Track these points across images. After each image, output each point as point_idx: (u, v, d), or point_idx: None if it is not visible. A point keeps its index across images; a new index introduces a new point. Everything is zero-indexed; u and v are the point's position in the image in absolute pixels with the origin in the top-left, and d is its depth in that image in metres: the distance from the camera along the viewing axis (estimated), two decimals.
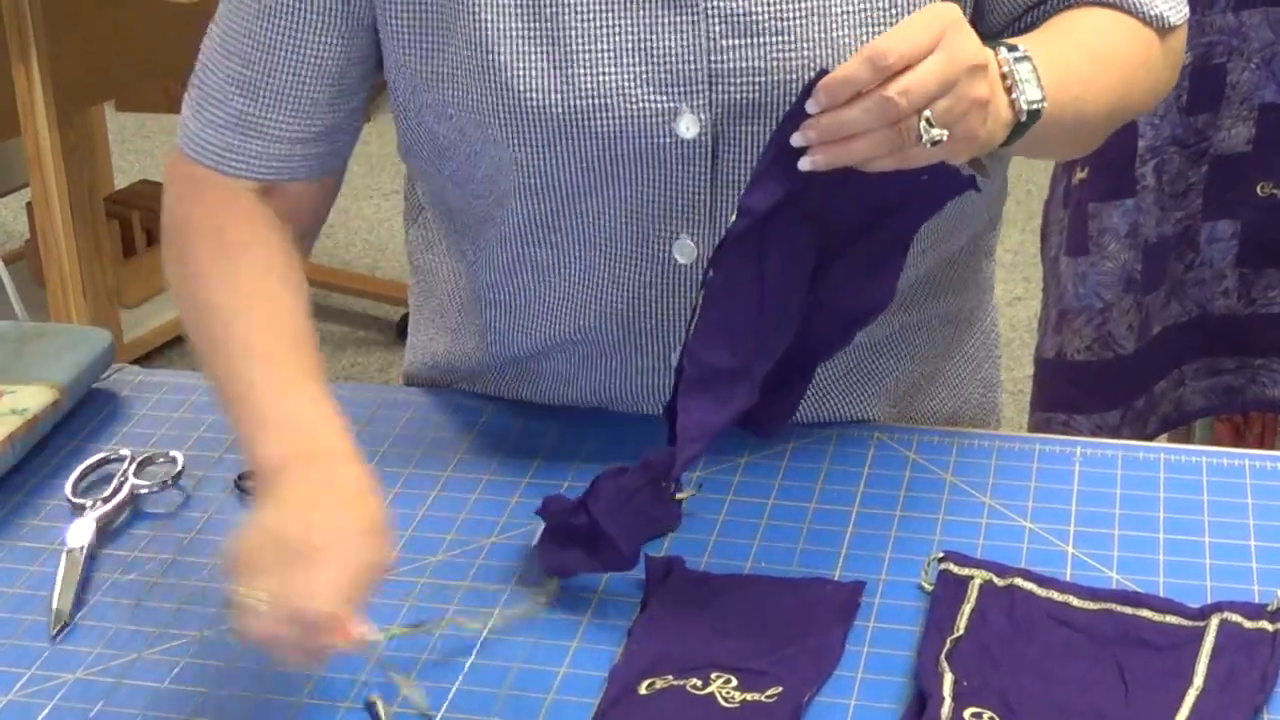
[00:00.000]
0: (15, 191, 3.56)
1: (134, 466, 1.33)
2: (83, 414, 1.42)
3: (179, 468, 1.33)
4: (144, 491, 1.31)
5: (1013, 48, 1.14)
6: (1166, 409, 2.07)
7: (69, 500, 1.30)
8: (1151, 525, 1.24)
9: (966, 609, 1.13)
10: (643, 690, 1.08)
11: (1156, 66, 1.30)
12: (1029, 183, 4.23)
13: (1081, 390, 2.03)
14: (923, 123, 1.06)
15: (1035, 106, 1.14)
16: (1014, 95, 1.13)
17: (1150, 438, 2.06)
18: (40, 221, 3.14)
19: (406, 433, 1.38)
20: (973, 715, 1.04)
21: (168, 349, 3.54)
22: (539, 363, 1.37)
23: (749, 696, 1.07)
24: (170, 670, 1.13)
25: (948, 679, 1.06)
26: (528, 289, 1.33)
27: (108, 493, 1.30)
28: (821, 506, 1.27)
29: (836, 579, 1.19)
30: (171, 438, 1.38)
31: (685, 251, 1.27)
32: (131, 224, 3.54)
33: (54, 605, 1.19)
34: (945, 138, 1.07)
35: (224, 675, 1.13)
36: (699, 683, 1.08)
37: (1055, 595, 1.15)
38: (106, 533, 1.27)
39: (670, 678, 1.09)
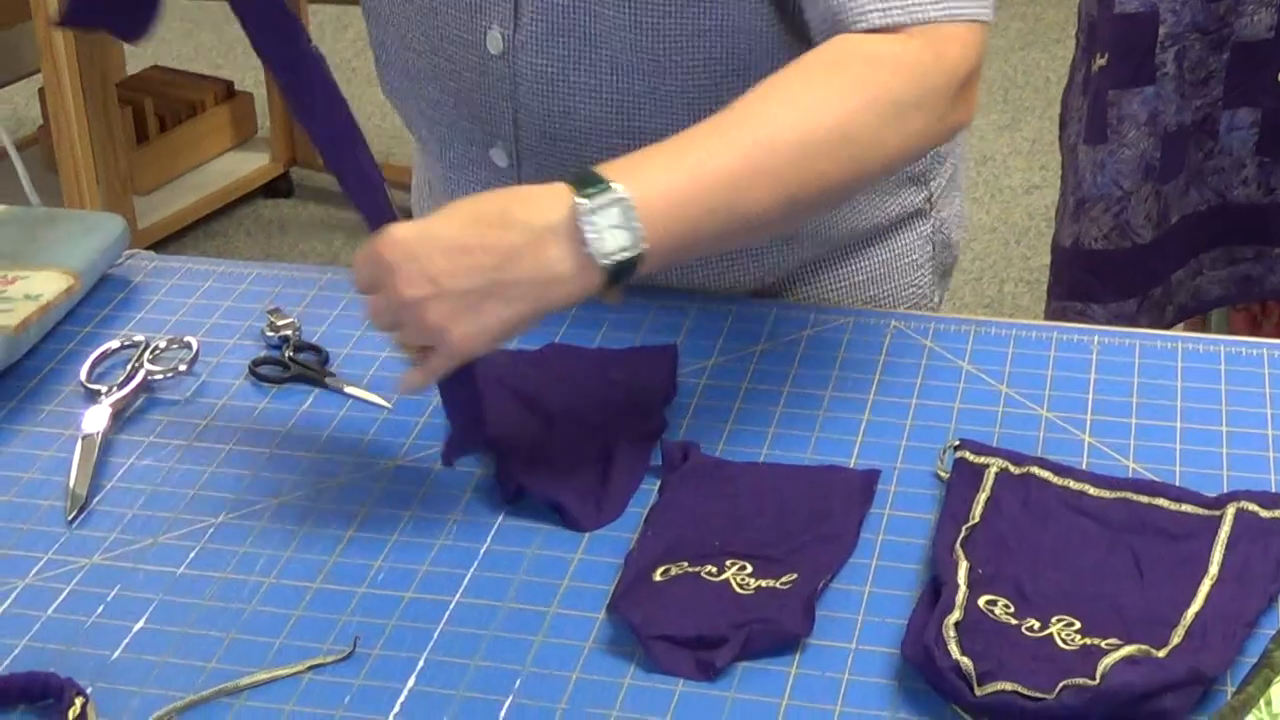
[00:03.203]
0: (27, 77, 3.54)
1: (149, 352, 1.32)
2: (97, 300, 1.42)
3: (194, 353, 1.33)
4: (159, 377, 1.31)
5: (601, 188, 1.09)
6: (1184, 298, 2.07)
7: (84, 386, 1.30)
8: (1169, 414, 1.23)
9: (982, 497, 1.13)
10: (657, 576, 1.08)
11: (893, 123, 1.19)
12: (1047, 70, 4.20)
13: (1098, 279, 2.02)
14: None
15: (623, 255, 1.09)
16: (586, 250, 1.08)
17: (1167, 327, 2.06)
18: (53, 107, 3.12)
19: None
20: (987, 603, 1.04)
21: (181, 235, 3.54)
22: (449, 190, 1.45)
23: (764, 583, 1.07)
24: (186, 555, 1.14)
25: (963, 566, 1.06)
26: (403, 90, 1.45)
27: (122, 378, 1.30)
28: (837, 394, 1.26)
29: (852, 467, 1.19)
30: (186, 323, 1.38)
31: (495, 42, 1.33)
32: (144, 110, 3.53)
33: (70, 490, 1.19)
34: (414, 381, 1.14)
35: (240, 559, 1.13)
36: (714, 569, 1.08)
37: (1071, 483, 1.14)
38: (122, 418, 1.27)
39: (685, 564, 1.09)
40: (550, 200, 1.10)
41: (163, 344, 1.34)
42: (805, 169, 1.16)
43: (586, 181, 1.09)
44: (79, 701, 1.00)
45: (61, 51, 3.02)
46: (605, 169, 1.11)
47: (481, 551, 1.13)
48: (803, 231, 1.40)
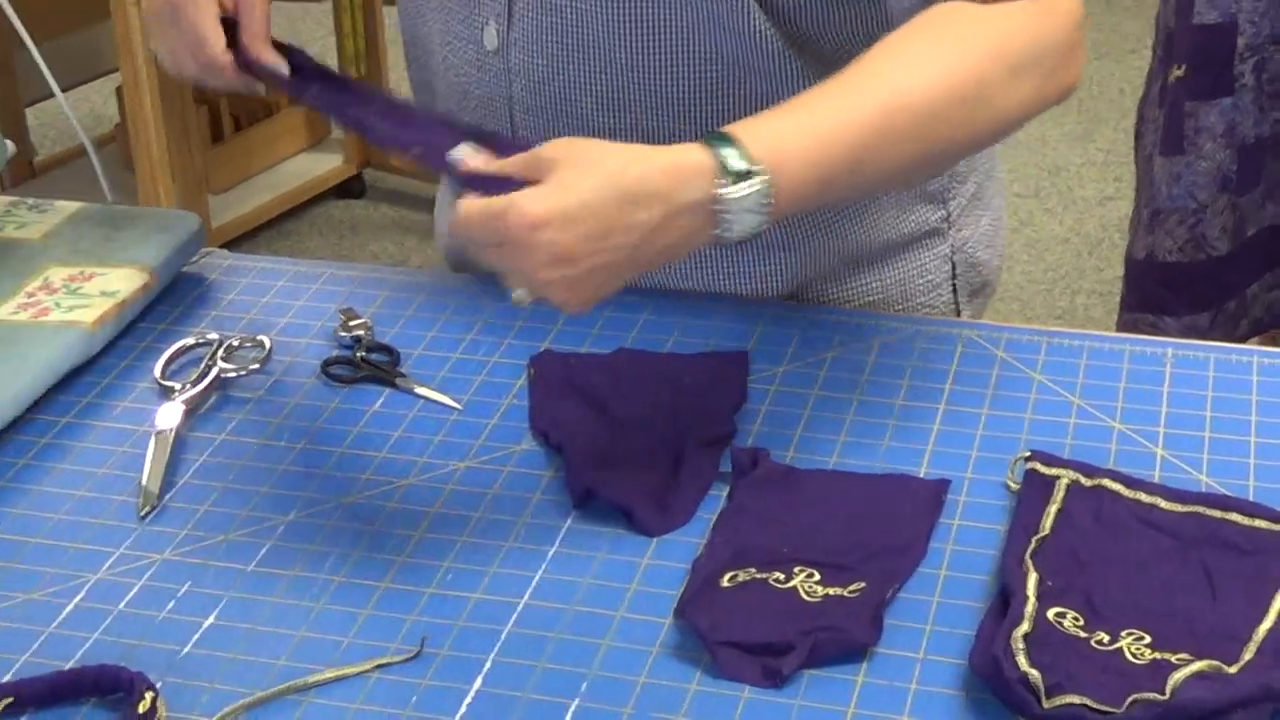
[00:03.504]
0: (105, 76, 3.57)
1: (222, 350, 1.33)
2: (172, 297, 1.43)
3: (266, 352, 1.33)
4: (232, 375, 1.32)
5: (744, 176, 1.09)
6: (1259, 312, 2.05)
7: (158, 383, 1.31)
8: (1242, 429, 1.22)
9: (1052, 509, 1.13)
10: (725, 583, 1.08)
11: (1011, 82, 1.20)
12: (1122, 81, 4.18)
13: (1172, 291, 2.01)
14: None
15: (751, 231, 1.11)
16: (717, 230, 1.09)
17: (1240, 341, 2.04)
18: (130, 106, 3.15)
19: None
20: (1056, 615, 1.04)
21: (254, 234, 3.56)
22: None
23: (831, 591, 1.07)
24: (257, 552, 1.14)
25: (1032, 578, 1.06)
26: (418, 84, 1.48)
27: (196, 376, 1.31)
28: (908, 403, 1.26)
29: (922, 476, 1.18)
30: (259, 322, 1.39)
31: (490, 38, 1.35)
32: (220, 109, 3.55)
33: (143, 486, 1.20)
34: (525, 299, 1.10)
35: (310, 558, 1.14)
36: (782, 576, 1.08)
37: (1143, 497, 1.14)
38: (195, 416, 1.28)
39: (753, 570, 1.09)
40: (694, 179, 1.09)
41: (236, 342, 1.35)
42: (929, 130, 1.17)
43: (731, 161, 1.09)
44: (149, 696, 1.01)
45: (140, 50, 3.04)
46: (748, 138, 1.10)
47: (549, 554, 1.13)
48: (815, 242, 1.39)
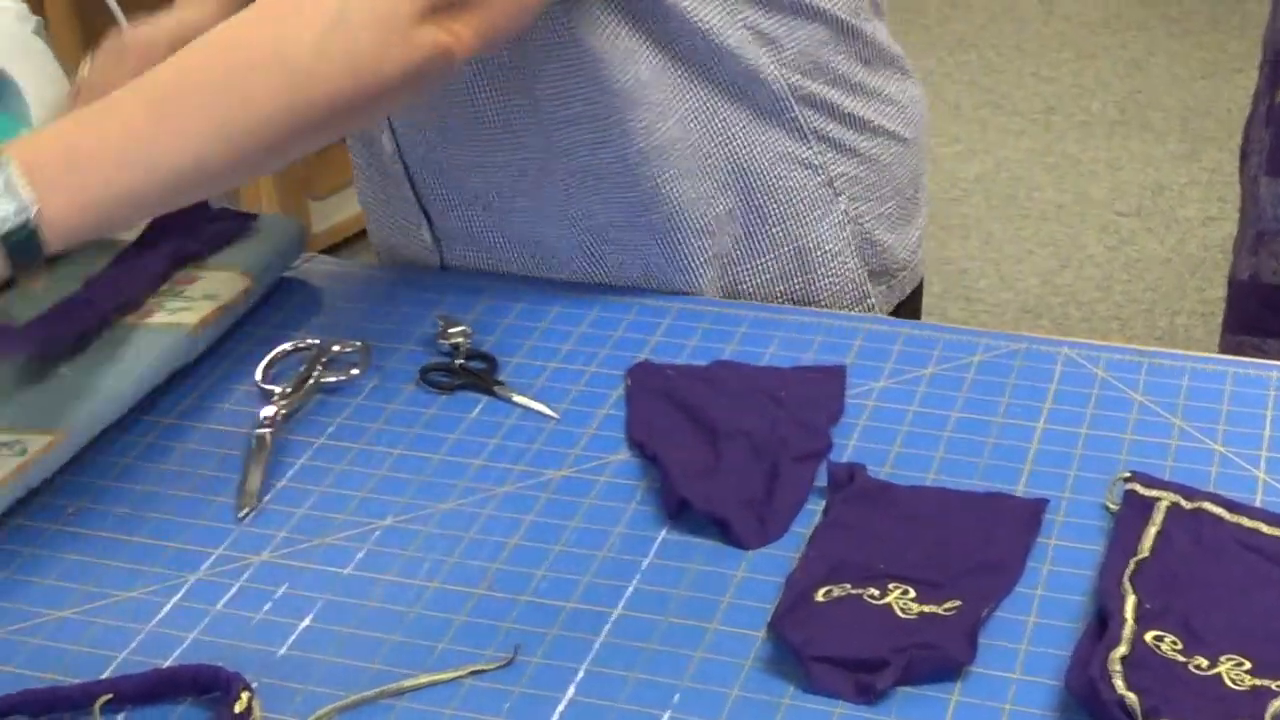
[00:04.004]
0: None
1: (322, 355, 1.34)
2: (273, 302, 1.44)
3: (366, 358, 1.34)
4: (331, 380, 1.33)
5: None
6: None
7: (258, 386, 1.32)
8: None
9: (1152, 531, 1.12)
10: (819, 598, 1.07)
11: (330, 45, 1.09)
12: (1229, 101, 4.14)
13: (1276, 314, 1.99)
14: None
15: (11, 225, 1.02)
16: None
17: None
18: None
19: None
20: (1154, 638, 1.03)
21: (353, 241, 3.58)
22: None
23: (926, 608, 1.06)
24: (353, 556, 1.15)
25: (1130, 601, 1.05)
26: None
27: (296, 380, 1.32)
28: (1007, 421, 1.25)
29: (1020, 495, 1.18)
30: (359, 328, 1.40)
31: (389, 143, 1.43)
32: None
33: (242, 488, 1.21)
34: None
35: (405, 563, 1.14)
36: (876, 592, 1.08)
37: (1245, 521, 1.12)
38: (294, 419, 1.29)
39: (848, 586, 1.08)
40: None
41: (336, 347, 1.35)
42: (230, 96, 1.08)
43: None
44: (245, 695, 1.02)
45: None
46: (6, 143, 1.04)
47: (644, 565, 1.13)
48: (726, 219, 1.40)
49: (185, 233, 1.38)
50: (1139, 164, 3.89)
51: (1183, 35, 4.50)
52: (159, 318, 1.35)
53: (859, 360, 1.32)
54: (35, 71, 1.41)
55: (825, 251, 1.44)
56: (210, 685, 1.03)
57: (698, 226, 1.39)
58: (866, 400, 1.28)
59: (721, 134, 1.38)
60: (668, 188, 1.37)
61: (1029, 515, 1.15)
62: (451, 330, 1.36)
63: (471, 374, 1.33)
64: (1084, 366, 1.31)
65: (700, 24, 1.33)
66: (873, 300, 1.47)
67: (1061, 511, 1.16)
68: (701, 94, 1.36)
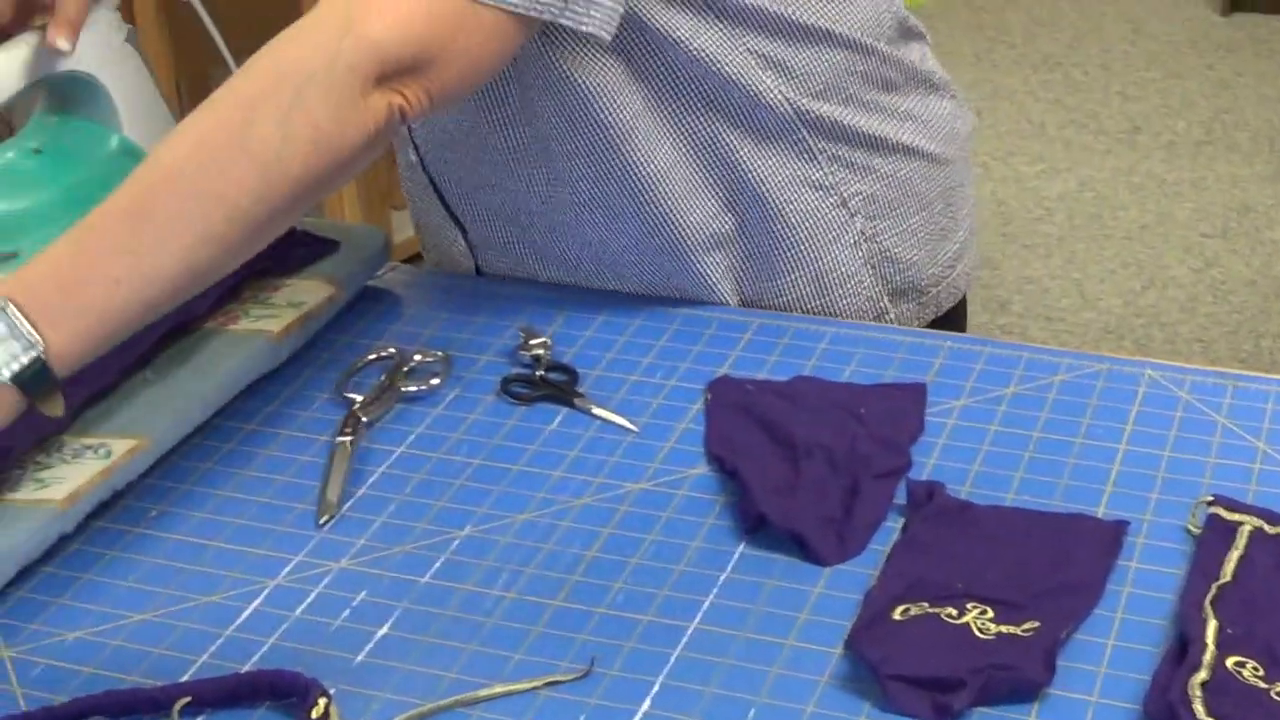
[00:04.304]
0: None
1: (404, 364, 1.35)
2: (356, 310, 1.45)
3: (447, 368, 1.35)
4: (412, 389, 1.33)
5: None
6: None
7: (340, 394, 1.33)
8: None
9: (1234, 555, 1.10)
10: (896, 615, 1.07)
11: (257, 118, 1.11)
12: None
13: None
14: None
15: (22, 365, 1.05)
16: None
17: None
18: None
19: None
20: (1235, 664, 1.02)
21: None
22: None
23: (1005, 628, 1.05)
24: (431, 565, 1.16)
25: (1211, 625, 1.04)
26: None
27: (377, 389, 1.33)
28: (1088, 442, 1.24)
29: (1100, 516, 1.17)
30: (441, 338, 1.41)
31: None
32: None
33: (322, 495, 1.22)
34: None
35: (483, 573, 1.14)
36: (954, 611, 1.07)
37: None
38: (375, 428, 1.30)
39: (925, 604, 1.08)
40: None
41: (417, 357, 1.36)
42: (206, 197, 1.10)
43: None
44: (322, 701, 1.02)
45: None
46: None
47: (721, 579, 1.13)
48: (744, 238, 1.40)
49: (270, 257, 1.39)
50: (1225, 184, 3.85)
51: (1270, 55, 4.46)
52: (243, 324, 1.36)
53: (940, 378, 1.32)
54: (126, 79, 1.42)
55: (842, 272, 1.43)
56: (288, 691, 1.04)
57: (706, 244, 1.40)
58: (947, 418, 1.27)
59: (725, 159, 1.37)
60: (672, 211, 1.37)
61: (1110, 537, 1.14)
62: (533, 341, 1.36)
63: (552, 385, 1.33)
64: (1167, 389, 1.30)
65: (698, 52, 1.32)
66: (891, 318, 1.47)
67: (1143, 534, 1.15)
68: (701, 120, 1.35)
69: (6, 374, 1.05)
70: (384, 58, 1.14)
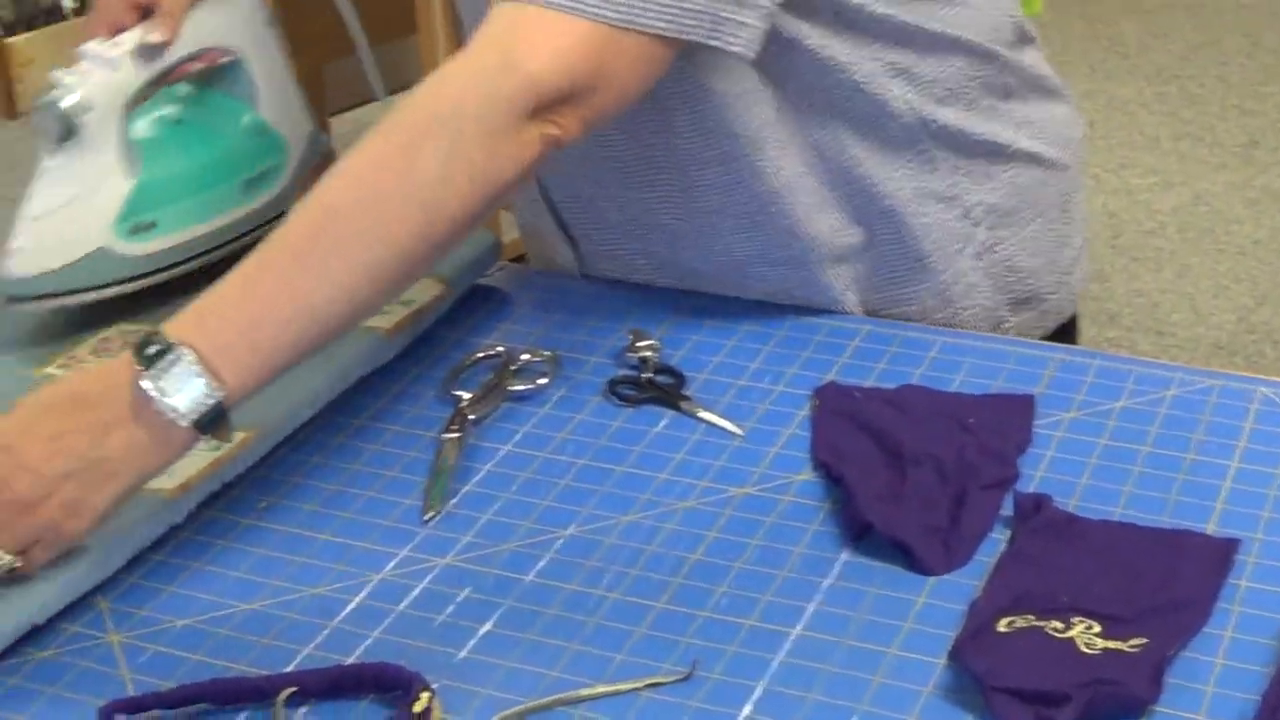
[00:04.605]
0: (406, 90, 3.65)
1: (511, 363, 1.35)
2: (465, 309, 1.46)
3: (555, 367, 1.35)
4: (519, 388, 1.34)
5: (158, 352, 1.09)
6: None
7: (448, 392, 1.34)
8: None
9: None
10: (1001, 627, 1.06)
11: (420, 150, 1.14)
12: None
13: None
14: None
15: (205, 408, 1.10)
16: (165, 417, 1.09)
17: None
18: None
19: None
20: None
21: None
22: None
23: (1111, 644, 1.05)
24: (535, 564, 1.16)
25: None
26: None
27: (485, 387, 1.33)
28: (1198, 458, 1.23)
29: (1210, 534, 1.15)
30: (549, 337, 1.41)
31: None
32: None
33: (428, 491, 1.23)
34: (18, 563, 1.09)
35: (587, 573, 1.15)
36: (1060, 625, 1.06)
37: None
38: (481, 426, 1.31)
39: (1031, 617, 1.07)
40: (117, 375, 1.10)
41: (525, 356, 1.37)
42: (370, 238, 1.14)
43: (145, 346, 1.09)
44: (425, 696, 1.03)
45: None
46: (172, 322, 1.11)
47: (824, 586, 1.13)
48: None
49: None
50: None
51: None
52: None
53: (1049, 390, 1.31)
54: (266, 59, 1.45)
55: (965, 283, 1.42)
56: (392, 684, 1.05)
57: (834, 255, 1.39)
58: (1055, 431, 1.26)
59: (851, 170, 1.36)
60: (801, 223, 1.37)
61: (1219, 554, 1.13)
62: (641, 344, 1.37)
63: (659, 388, 1.33)
64: None
65: (828, 61, 1.32)
66: (1010, 327, 1.46)
67: (1254, 553, 1.14)
68: (828, 130, 1.35)
69: (189, 420, 1.09)
70: (541, 91, 1.16)
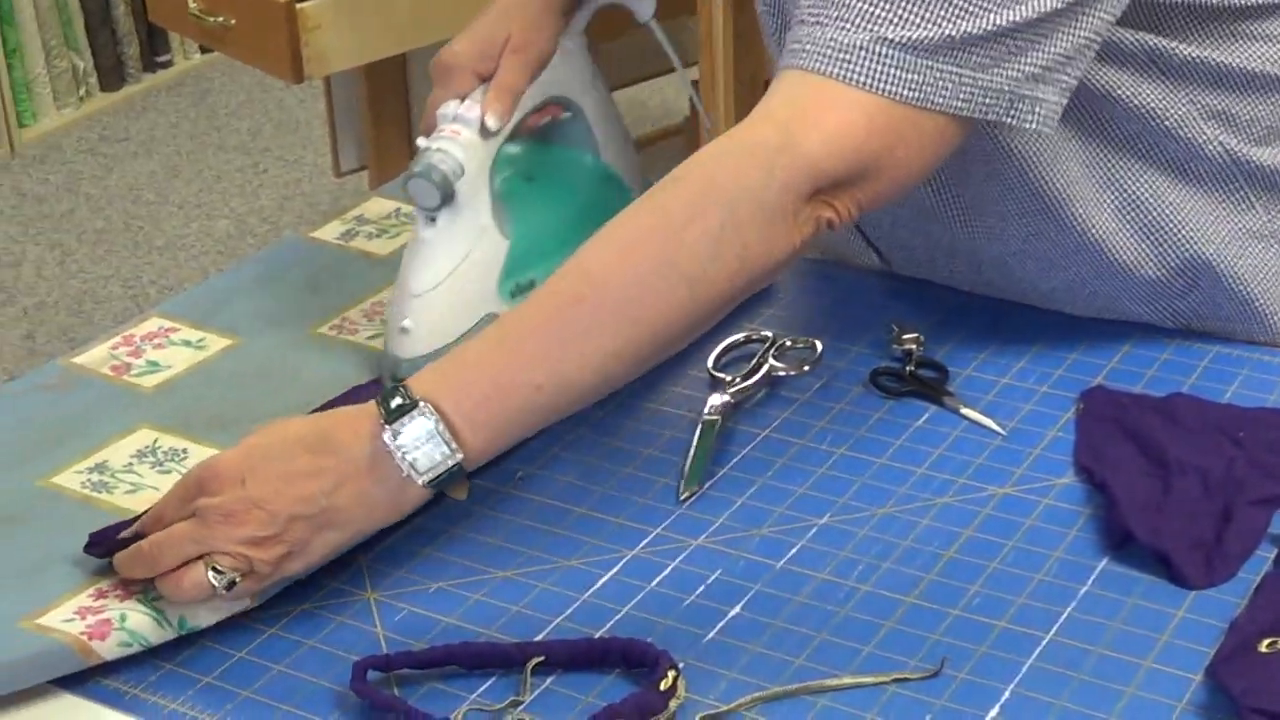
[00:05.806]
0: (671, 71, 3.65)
1: (775, 349, 1.35)
2: None
3: (818, 354, 1.35)
4: (782, 374, 1.33)
5: (405, 410, 1.08)
6: None
7: (710, 373, 1.34)
8: None
9: None
10: (1263, 648, 1.03)
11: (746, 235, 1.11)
12: None
13: None
14: (210, 572, 1.07)
15: (441, 470, 1.09)
16: (403, 475, 1.09)
17: None
18: (707, 101, 3.22)
19: None
20: None
21: None
22: None
23: None
24: (787, 550, 1.16)
25: None
26: None
27: (747, 370, 1.33)
28: None
29: None
30: (813, 325, 1.41)
31: None
32: None
33: (685, 471, 1.23)
34: (236, 580, 1.08)
35: (839, 563, 1.14)
36: None
37: None
38: (742, 409, 1.31)
39: None
40: (361, 425, 1.09)
41: (789, 342, 1.36)
42: (631, 313, 1.11)
43: (392, 401, 1.09)
44: (671, 674, 1.03)
45: (720, 48, 3.11)
46: (419, 378, 1.11)
47: (1080, 592, 1.11)
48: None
49: None
50: None
51: None
52: None
53: None
54: (600, 105, 1.45)
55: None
56: (639, 660, 1.05)
57: (1149, 296, 1.35)
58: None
59: (1166, 217, 1.31)
60: (1113, 264, 1.32)
61: None
62: (905, 336, 1.35)
63: (921, 382, 1.32)
64: None
65: (1139, 109, 1.26)
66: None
67: None
68: (1139, 179, 1.30)
69: (426, 479, 1.10)
70: (819, 175, 1.12)
